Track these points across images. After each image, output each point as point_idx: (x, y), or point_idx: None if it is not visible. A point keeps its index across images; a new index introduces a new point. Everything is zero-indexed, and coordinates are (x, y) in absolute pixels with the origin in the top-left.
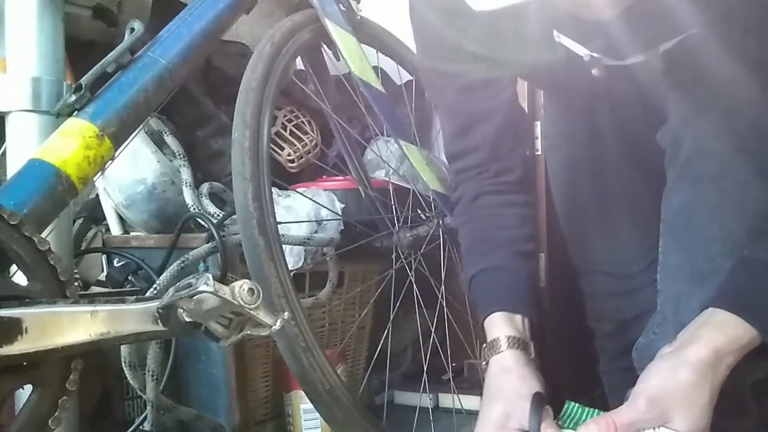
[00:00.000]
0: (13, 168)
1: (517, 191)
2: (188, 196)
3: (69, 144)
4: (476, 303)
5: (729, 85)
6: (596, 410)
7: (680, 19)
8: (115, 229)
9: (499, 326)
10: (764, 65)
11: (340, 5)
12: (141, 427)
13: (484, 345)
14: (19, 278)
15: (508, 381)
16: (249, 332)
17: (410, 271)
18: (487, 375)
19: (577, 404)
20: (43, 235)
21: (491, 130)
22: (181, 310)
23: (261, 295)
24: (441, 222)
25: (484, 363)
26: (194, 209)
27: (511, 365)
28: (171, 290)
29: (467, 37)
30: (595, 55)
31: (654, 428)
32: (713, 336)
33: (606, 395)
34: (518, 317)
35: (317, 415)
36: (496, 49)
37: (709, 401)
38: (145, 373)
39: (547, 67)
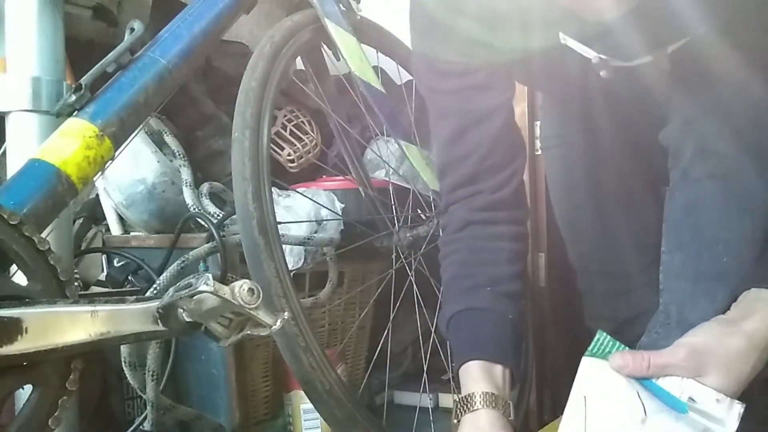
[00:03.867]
0: (13, 168)
1: (509, 221)
2: (188, 196)
3: (69, 144)
4: (453, 347)
5: (734, 85)
6: (626, 346)
7: (687, 20)
8: (115, 229)
9: (476, 380)
10: None
11: (340, 5)
12: (141, 427)
13: (457, 399)
14: (19, 278)
15: None
16: (249, 332)
17: (410, 271)
18: (461, 428)
19: (609, 336)
20: (43, 235)
21: (488, 132)
22: (181, 310)
23: (261, 295)
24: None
25: (455, 420)
26: (194, 209)
27: (485, 427)
28: (171, 290)
29: (462, 17)
30: (603, 57)
31: (682, 377)
32: None
33: None
34: (498, 369)
35: (317, 415)
36: (491, 32)
37: (750, 373)
38: (145, 373)
39: (544, 55)
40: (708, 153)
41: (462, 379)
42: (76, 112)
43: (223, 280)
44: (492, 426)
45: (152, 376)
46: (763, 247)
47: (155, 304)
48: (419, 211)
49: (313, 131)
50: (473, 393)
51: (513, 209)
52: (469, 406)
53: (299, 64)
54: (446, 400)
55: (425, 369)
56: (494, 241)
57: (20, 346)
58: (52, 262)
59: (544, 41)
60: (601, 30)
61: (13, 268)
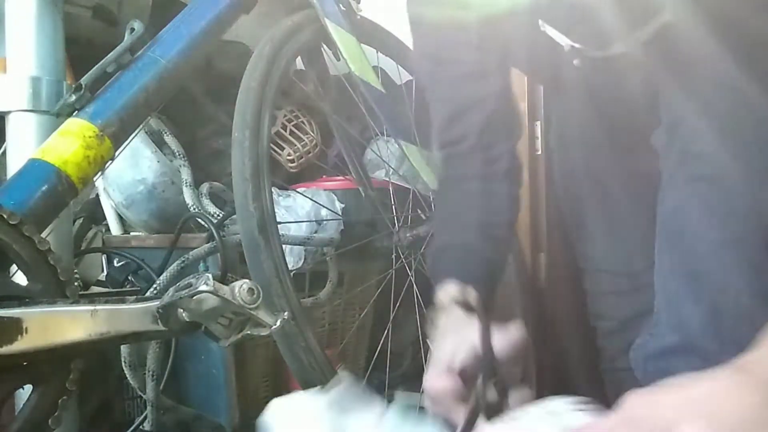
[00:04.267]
0: (13, 168)
1: (503, 180)
2: (188, 196)
3: (69, 144)
4: (435, 273)
5: (717, 85)
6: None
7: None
8: (115, 229)
9: (452, 293)
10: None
11: (340, 5)
12: (141, 427)
13: (433, 306)
14: (19, 278)
15: (459, 321)
16: (249, 332)
17: (410, 271)
18: (437, 329)
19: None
20: (43, 235)
21: (482, 117)
22: (181, 310)
23: (261, 295)
24: None
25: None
26: (194, 209)
27: (461, 314)
28: (171, 290)
29: None
30: (576, 45)
31: None
32: None
33: (607, 395)
34: (473, 292)
35: None
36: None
37: None
38: (145, 373)
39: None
40: (693, 155)
41: (439, 297)
42: (76, 112)
43: (223, 280)
44: (468, 317)
45: (152, 376)
46: (747, 249)
47: (155, 304)
48: (419, 211)
49: (313, 131)
50: (443, 302)
51: (508, 175)
52: (444, 307)
53: (299, 64)
54: None
55: (425, 369)
56: (490, 195)
57: (20, 346)
58: (52, 262)
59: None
60: (578, 15)
61: (13, 268)
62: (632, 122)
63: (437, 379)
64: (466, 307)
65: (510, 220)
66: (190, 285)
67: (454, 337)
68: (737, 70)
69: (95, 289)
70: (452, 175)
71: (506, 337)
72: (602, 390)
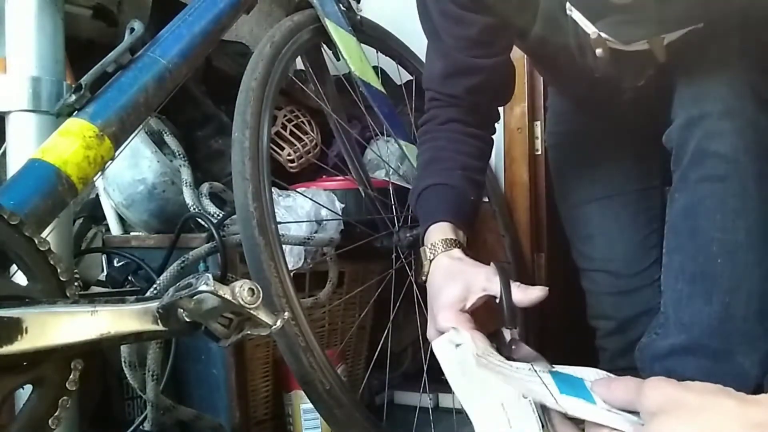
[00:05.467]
0: (13, 168)
1: (483, 127)
2: (188, 196)
3: (69, 144)
4: (422, 212)
5: (735, 85)
6: None
7: (689, 11)
8: (115, 229)
9: (446, 232)
10: None
11: (340, 5)
12: (141, 427)
13: (423, 248)
14: (19, 278)
15: (463, 265)
16: (249, 332)
17: (410, 271)
18: (433, 268)
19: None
20: (43, 235)
21: (475, 84)
22: (181, 310)
23: (261, 295)
24: None
25: (425, 271)
26: (194, 209)
27: (461, 256)
28: (171, 290)
29: None
30: (602, 34)
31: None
32: None
33: None
34: (460, 232)
35: (317, 415)
36: None
37: None
38: (145, 373)
39: (546, 22)
40: (707, 154)
41: (427, 238)
42: (76, 112)
43: (223, 280)
44: (458, 260)
45: (152, 376)
46: (758, 250)
47: (155, 304)
48: None
49: (313, 131)
50: (446, 239)
51: (487, 127)
52: (434, 252)
53: (299, 64)
54: (446, 400)
55: (425, 369)
56: (471, 138)
57: (20, 346)
58: (52, 262)
59: (550, 3)
60: (607, 7)
61: (13, 268)
62: (641, 121)
63: (451, 320)
64: (459, 245)
65: (484, 166)
66: (190, 285)
67: (459, 281)
68: (757, 74)
69: (95, 289)
70: (436, 116)
71: (524, 292)
72: None
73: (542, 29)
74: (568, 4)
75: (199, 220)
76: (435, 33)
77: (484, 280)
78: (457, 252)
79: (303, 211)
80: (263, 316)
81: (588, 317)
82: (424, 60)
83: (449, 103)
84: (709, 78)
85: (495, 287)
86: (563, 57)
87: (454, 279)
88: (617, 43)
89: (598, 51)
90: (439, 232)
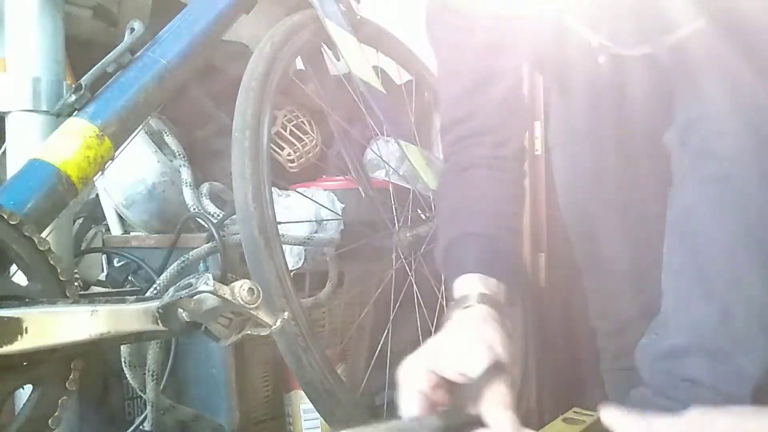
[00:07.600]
0: (13, 168)
1: (510, 168)
2: (188, 196)
3: (69, 144)
4: (449, 266)
5: (736, 86)
6: None
7: (689, 7)
8: (115, 229)
9: (471, 284)
10: None
11: (340, 5)
12: (141, 427)
13: (450, 303)
14: (19, 278)
15: (480, 320)
16: (249, 332)
17: (410, 271)
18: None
19: None
20: (43, 235)
21: (498, 93)
22: (181, 310)
23: (261, 295)
24: None
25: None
26: (194, 209)
27: (476, 320)
28: (171, 290)
29: None
30: (604, 42)
31: None
32: None
33: (607, 394)
34: (493, 281)
35: (317, 415)
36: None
37: None
38: (145, 373)
39: (548, 33)
40: (708, 155)
41: (456, 291)
42: (76, 112)
43: (223, 280)
44: (484, 320)
45: (152, 376)
46: (759, 250)
47: (155, 304)
48: (419, 211)
49: (313, 131)
50: (468, 294)
51: (513, 163)
52: (462, 303)
53: (299, 64)
54: None
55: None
56: (497, 184)
57: (20, 346)
58: (52, 262)
59: (548, 16)
60: (606, 13)
61: (13, 268)
62: (643, 122)
63: (413, 405)
64: (493, 303)
65: (518, 211)
66: (190, 285)
67: (468, 335)
68: (760, 76)
69: (95, 289)
70: (457, 162)
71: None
72: (602, 390)
73: (542, 45)
74: (567, 16)
75: (199, 220)
76: (448, 52)
77: (494, 335)
78: (477, 312)
79: (303, 211)
80: (263, 316)
81: (589, 316)
82: (424, 60)
83: (468, 141)
84: (709, 78)
85: (472, 373)
86: (565, 69)
87: (459, 331)
88: (621, 48)
89: (601, 58)
90: (468, 285)
